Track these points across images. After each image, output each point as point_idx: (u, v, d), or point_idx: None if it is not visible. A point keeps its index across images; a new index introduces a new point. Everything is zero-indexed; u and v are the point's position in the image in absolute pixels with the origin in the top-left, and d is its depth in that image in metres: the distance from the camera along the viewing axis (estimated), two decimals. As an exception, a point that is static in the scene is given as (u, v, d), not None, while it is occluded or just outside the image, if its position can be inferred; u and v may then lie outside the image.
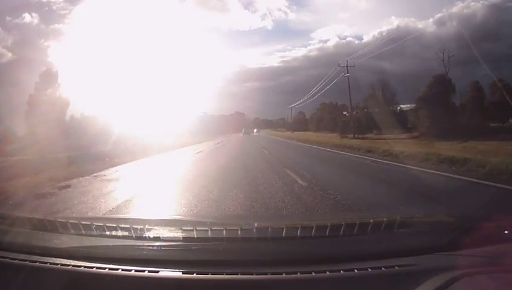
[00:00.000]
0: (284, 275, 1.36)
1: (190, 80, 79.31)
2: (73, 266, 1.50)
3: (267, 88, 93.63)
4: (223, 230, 1.70)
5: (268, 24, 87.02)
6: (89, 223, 1.88)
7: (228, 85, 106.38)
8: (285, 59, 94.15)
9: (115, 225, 1.85)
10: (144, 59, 55.57)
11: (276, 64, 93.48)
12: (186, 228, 1.69)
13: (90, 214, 5.50)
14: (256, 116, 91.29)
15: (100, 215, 5.36)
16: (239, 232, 1.68)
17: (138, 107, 33.87)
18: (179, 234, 1.67)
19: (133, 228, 1.76)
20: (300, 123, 62.43)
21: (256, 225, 1.93)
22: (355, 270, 1.37)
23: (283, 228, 1.70)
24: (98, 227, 1.82)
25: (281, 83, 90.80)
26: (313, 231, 1.66)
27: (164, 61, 65.12)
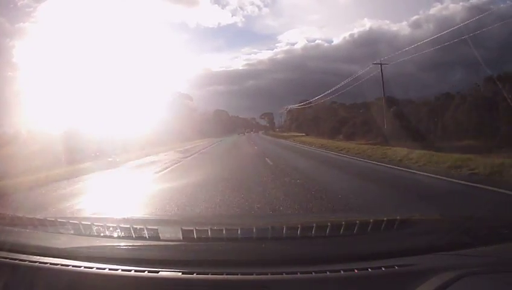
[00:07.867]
0: (284, 275, 1.36)
1: (150, 81, 68.11)
2: (73, 266, 1.50)
3: (232, 92, 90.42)
4: (223, 230, 1.70)
5: (239, 20, 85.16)
6: (89, 223, 1.88)
7: (191, 88, 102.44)
8: (251, 62, 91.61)
9: (115, 225, 1.85)
10: (108, 56, 52.71)
11: (241, 68, 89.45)
12: (186, 228, 1.69)
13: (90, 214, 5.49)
14: (220, 108, 74.60)
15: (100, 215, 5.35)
16: (239, 232, 1.68)
17: (90, 109, 30.27)
18: (179, 234, 1.67)
19: (133, 228, 1.75)
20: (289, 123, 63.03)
21: (256, 224, 1.93)
22: (355, 270, 1.37)
23: (283, 228, 1.70)
24: (98, 227, 1.82)
25: (246, 87, 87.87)
26: (313, 231, 1.66)
27: (126, 60, 60.41)
